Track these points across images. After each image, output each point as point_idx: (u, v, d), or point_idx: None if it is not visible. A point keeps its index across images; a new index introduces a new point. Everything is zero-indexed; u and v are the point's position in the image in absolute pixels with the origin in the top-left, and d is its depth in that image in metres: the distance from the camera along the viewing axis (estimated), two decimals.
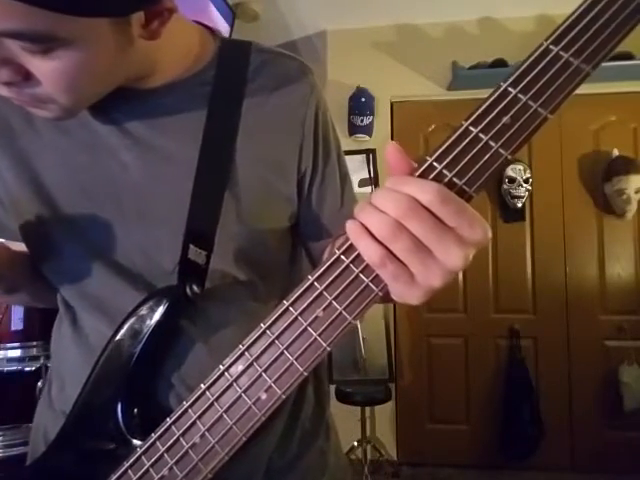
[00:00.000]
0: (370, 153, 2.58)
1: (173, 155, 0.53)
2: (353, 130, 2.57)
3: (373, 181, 2.56)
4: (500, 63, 2.41)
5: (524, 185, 2.43)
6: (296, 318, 0.40)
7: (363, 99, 2.56)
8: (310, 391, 0.64)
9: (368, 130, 2.57)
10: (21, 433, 1.31)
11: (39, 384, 1.37)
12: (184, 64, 0.55)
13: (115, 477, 0.47)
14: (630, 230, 2.49)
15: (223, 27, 2.19)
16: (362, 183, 2.57)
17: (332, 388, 2.29)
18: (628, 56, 2.29)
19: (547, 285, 2.52)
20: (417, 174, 0.35)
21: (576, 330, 2.49)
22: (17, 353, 1.42)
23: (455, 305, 2.60)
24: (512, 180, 2.43)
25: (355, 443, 2.38)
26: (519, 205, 2.47)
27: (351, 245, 0.37)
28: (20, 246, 0.60)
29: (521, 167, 2.42)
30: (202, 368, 0.52)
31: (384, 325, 2.47)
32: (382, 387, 2.33)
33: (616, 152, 2.42)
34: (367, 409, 2.45)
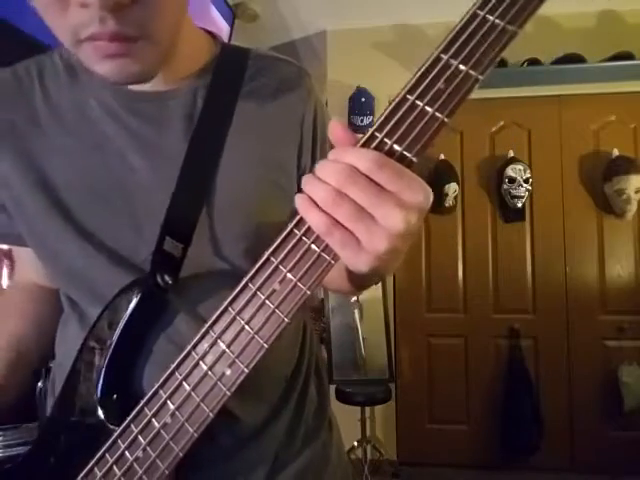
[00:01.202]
0: None
1: (178, 157, 0.54)
2: (353, 130, 2.51)
3: None
4: (500, 63, 2.41)
5: (524, 185, 2.43)
6: (255, 293, 0.41)
7: (363, 99, 2.56)
8: (313, 390, 0.65)
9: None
10: (21, 433, 1.31)
11: (39, 384, 1.37)
12: (189, 67, 0.56)
13: (92, 462, 0.48)
14: (630, 230, 2.49)
15: (223, 27, 2.19)
16: None
17: (332, 388, 2.29)
18: (628, 56, 2.29)
19: (547, 285, 2.53)
20: (359, 145, 0.37)
21: (576, 330, 2.49)
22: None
23: (455, 305, 2.60)
24: (512, 180, 2.43)
25: (355, 443, 2.38)
26: (519, 205, 2.47)
27: (302, 218, 0.39)
28: (24, 252, 0.60)
29: (521, 167, 2.43)
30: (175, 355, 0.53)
31: (384, 325, 2.47)
32: (382, 387, 2.33)
33: (616, 152, 2.42)
34: (367, 409, 2.45)
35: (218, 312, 0.43)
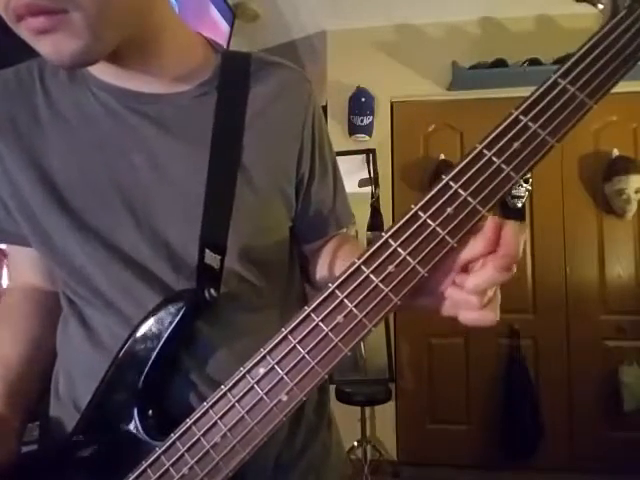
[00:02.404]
0: (370, 153, 2.58)
1: (182, 158, 0.54)
2: (353, 130, 2.57)
3: (373, 181, 2.56)
4: (500, 63, 2.41)
5: (524, 185, 2.43)
6: (317, 324, 0.42)
7: (363, 99, 2.56)
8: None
9: (368, 130, 2.57)
10: None
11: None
12: (189, 71, 0.57)
13: (133, 476, 0.48)
14: (630, 230, 2.48)
15: (223, 27, 2.19)
16: (362, 183, 2.57)
17: (332, 388, 2.29)
18: None
19: (547, 285, 2.52)
20: (433, 192, 0.39)
21: (576, 330, 2.49)
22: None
23: None
24: None
25: (355, 443, 2.38)
26: (519, 205, 2.47)
27: (371, 256, 0.41)
28: (22, 251, 0.60)
29: None
30: (213, 369, 0.54)
31: (384, 325, 2.47)
32: (382, 387, 2.33)
33: (616, 152, 2.42)
34: (367, 409, 2.45)
35: (277, 339, 0.43)
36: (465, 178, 0.39)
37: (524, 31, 2.54)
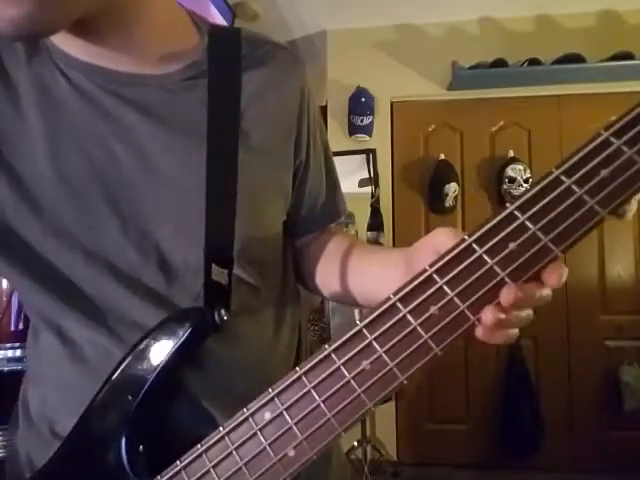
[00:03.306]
0: (370, 153, 2.58)
1: (172, 151, 0.48)
2: (353, 130, 2.57)
3: (373, 181, 2.56)
4: (500, 63, 2.41)
5: (524, 185, 2.42)
6: (338, 368, 0.35)
7: (363, 99, 2.55)
8: None
9: (368, 130, 2.57)
10: None
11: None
12: (174, 50, 0.50)
13: None
14: (630, 230, 2.49)
15: None
16: (362, 183, 2.57)
17: None
18: (628, 56, 2.29)
19: None
20: (495, 222, 0.33)
21: (576, 330, 2.49)
22: (17, 353, 1.42)
23: None
24: (512, 180, 2.43)
25: (355, 443, 2.38)
26: None
27: (411, 292, 0.34)
28: None
29: (521, 167, 2.42)
30: (215, 386, 0.49)
31: None
32: None
33: None
34: None
35: (288, 380, 0.36)
36: (536, 209, 0.31)
37: (524, 31, 2.54)
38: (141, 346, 0.44)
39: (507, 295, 0.33)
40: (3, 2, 0.35)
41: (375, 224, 2.51)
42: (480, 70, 2.46)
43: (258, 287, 0.55)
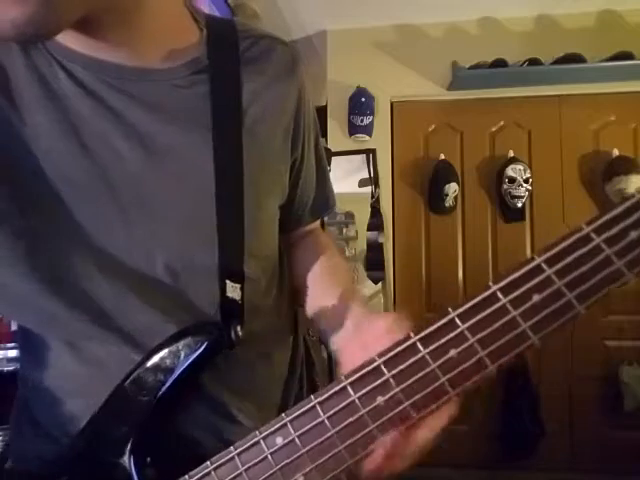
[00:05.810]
0: (370, 153, 2.58)
1: (181, 148, 0.47)
2: (353, 130, 2.56)
3: (373, 181, 2.55)
4: (500, 63, 2.41)
5: (524, 185, 2.42)
6: (353, 401, 0.35)
7: (363, 99, 2.55)
8: (306, 388, 0.66)
9: (368, 130, 2.57)
10: None
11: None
12: (178, 45, 0.50)
13: None
14: None
15: None
16: (362, 183, 2.57)
17: None
18: (628, 56, 2.29)
19: None
20: (521, 272, 0.32)
21: (576, 330, 2.49)
22: (17, 353, 1.42)
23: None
24: (512, 180, 2.43)
25: None
26: (519, 205, 2.47)
27: (433, 333, 0.33)
28: None
29: (521, 167, 2.42)
30: (226, 396, 0.49)
31: None
32: None
33: (616, 152, 2.42)
34: None
35: (303, 408, 0.36)
36: (563, 264, 0.31)
37: (524, 31, 2.54)
38: (156, 356, 0.44)
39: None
40: (4, 4, 0.33)
41: (375, 224, 2.51)
42: (480, 70, 2.46)
43: (260, 282, 0.56)
